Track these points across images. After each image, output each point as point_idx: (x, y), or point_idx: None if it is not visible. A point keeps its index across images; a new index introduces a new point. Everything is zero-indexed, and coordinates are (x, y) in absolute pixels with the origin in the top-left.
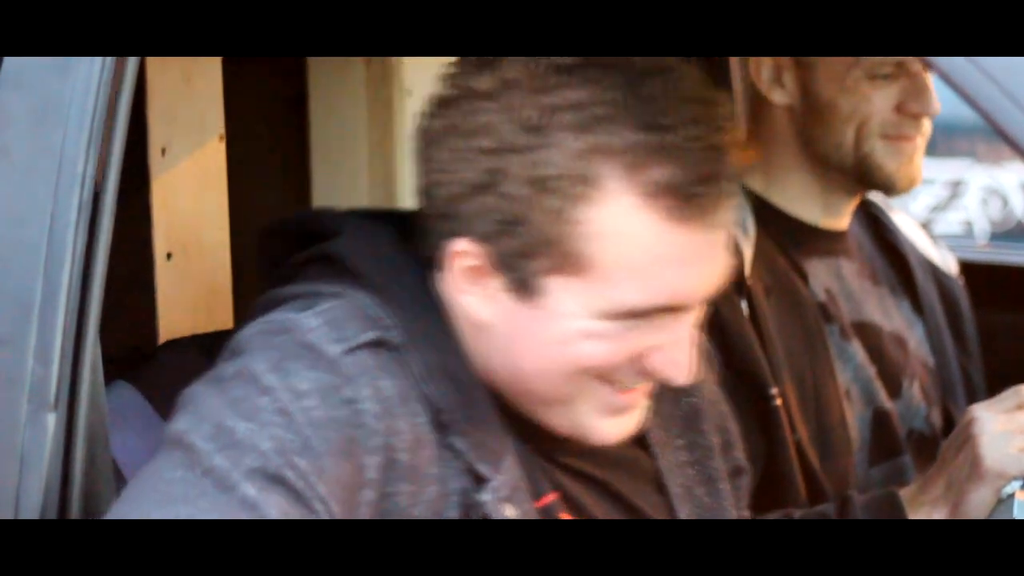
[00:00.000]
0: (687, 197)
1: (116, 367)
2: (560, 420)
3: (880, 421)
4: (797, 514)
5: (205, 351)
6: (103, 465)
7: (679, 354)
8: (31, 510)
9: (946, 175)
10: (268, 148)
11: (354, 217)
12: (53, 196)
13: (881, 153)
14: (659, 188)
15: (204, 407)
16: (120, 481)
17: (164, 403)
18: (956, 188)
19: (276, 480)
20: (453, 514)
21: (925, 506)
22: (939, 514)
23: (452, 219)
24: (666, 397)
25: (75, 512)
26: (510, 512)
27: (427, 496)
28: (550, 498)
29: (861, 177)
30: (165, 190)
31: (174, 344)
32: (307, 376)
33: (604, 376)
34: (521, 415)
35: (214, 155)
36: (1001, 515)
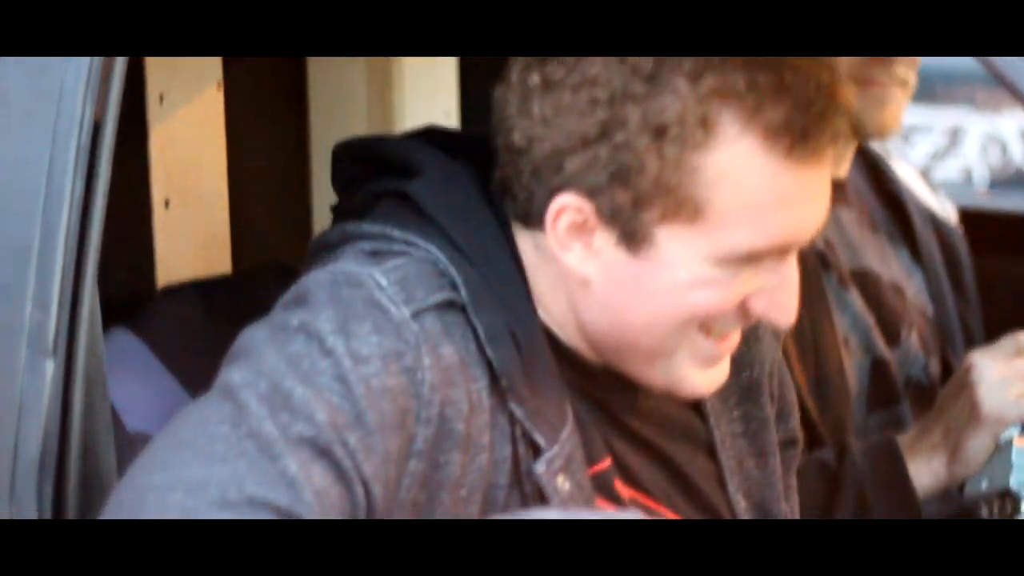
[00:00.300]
0: (803, 136)
1: (114, 313)
2: (656, 373)
3: (878, 369)
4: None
5: (203, 297)
6: (102, 411)
7: (784, 296)
8: (29, 456)
9: (945, 122)
10: (266, 96)
11: (436, 152)
12: (51, 141)
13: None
14: (777, 128)
15: (263, 361)
16: (119, 427)
17: (162, 349)
18: (955, 136)
19: (323, 453)
20: (504, 482)
21: (923, 452)
22: (938, 460)
23: (555, 174)
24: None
25: (73, 458)
26: (562, 482)
27: (478, 464)
28: (604, 464)
29: None
30: (163, 137)
31: (172, 290)
32: (371, 340)
33: (706, 324)
34: (584, 376)
35: (212, 103)
36: (999, 461)
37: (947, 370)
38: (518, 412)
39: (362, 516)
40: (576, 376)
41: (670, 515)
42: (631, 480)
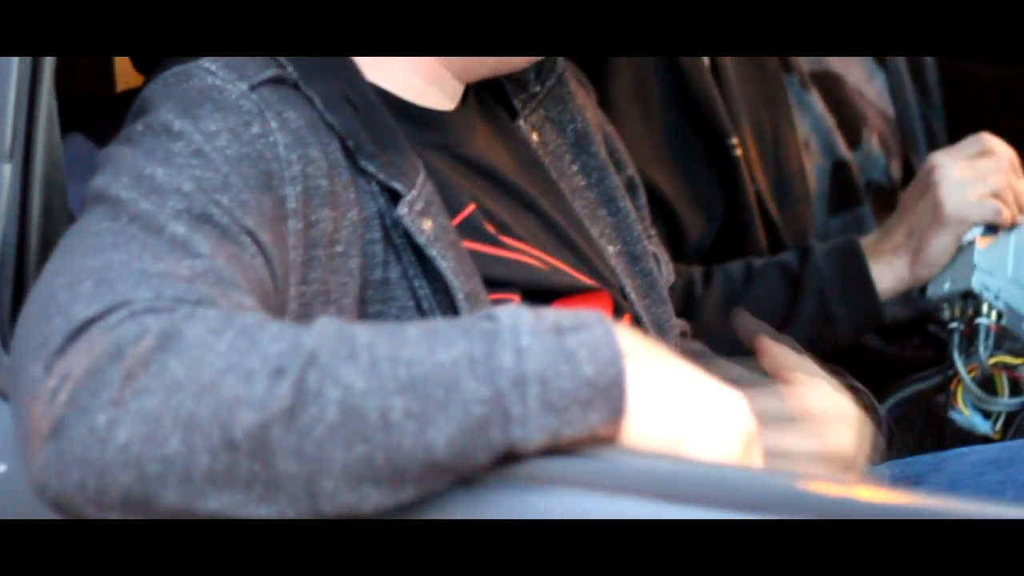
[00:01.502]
0: None
1: (73, 118)
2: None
3: (839, 171)
4: (758, 263)
5: None
6: (60, 215)
7: None
8: None
9: None
10: None
11: None
12: None
13: None
14: None
15: (119, 162)
16: None
17: None
18: None
19: (202, 219)
20: (377, 237)
21: (886, 254)
22: (900, 262)
23: None
24: (550, 129)
25: (32, 262)
26: (428, 226)
27: (349, 219)
28: (468, 210)
29: None
30: None
31: (130, 95)
32: (215, 117)
33: None
34: (431, 127)
35: None
36: (962, 262)
37: (909, 172)
38: (370, 167)
39: (261, 271)
40: (424, 131)
41: (546, 257)
42: (501, 225)
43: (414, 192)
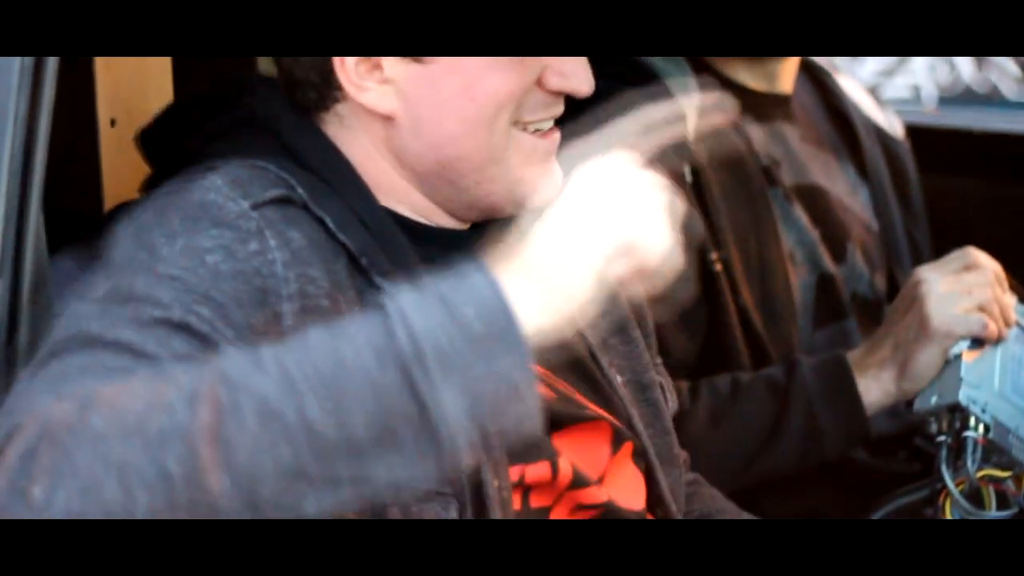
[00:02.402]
0: None
1: (61, 234)
2: (496, 186)
3: (824, 285)
4: (745, 377)
5: None
6: (47, 332)
7: (575, 65)
8: None
9: None
10: None
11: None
12: None
13: None
14: None
15: (108, 267)
16: None
17: None
18: None
19: (179, 327)
20: None
21: (872, 368)
22: (887, 376)
23: None
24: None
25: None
26: None
27: None
28: None
29: None
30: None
31: (120, 209)
32: (211, 234)
33: (519, 115)
34: (444, 246)
35: None
36: (948, 376)
37: (894, 285)
38: (385, 285)
39: None
40: (435, 249)
41: (553, 382)
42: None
43: None
